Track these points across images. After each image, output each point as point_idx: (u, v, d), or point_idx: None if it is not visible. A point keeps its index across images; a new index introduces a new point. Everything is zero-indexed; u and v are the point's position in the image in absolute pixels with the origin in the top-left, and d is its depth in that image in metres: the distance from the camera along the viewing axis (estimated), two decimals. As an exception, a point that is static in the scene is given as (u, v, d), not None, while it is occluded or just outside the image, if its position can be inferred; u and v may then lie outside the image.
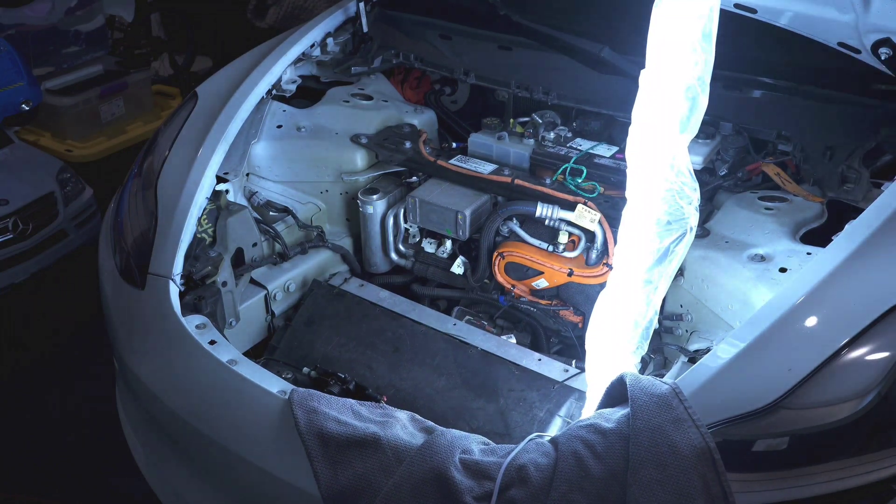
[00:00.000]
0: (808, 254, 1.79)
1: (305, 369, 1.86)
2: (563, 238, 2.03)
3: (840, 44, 1.99)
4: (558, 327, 2.12)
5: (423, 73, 2.78)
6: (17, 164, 3.59)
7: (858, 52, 1.98)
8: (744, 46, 2.10)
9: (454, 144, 2.37)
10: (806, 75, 2.12)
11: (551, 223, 2.04)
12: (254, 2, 5.24)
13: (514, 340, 2.03)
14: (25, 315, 3.29)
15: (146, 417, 2.05)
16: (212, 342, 1.82)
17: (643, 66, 1.66)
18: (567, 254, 2.04)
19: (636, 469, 1.37)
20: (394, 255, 2.31)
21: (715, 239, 1.91)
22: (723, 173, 2.16)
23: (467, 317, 2.13)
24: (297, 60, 2.52)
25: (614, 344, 1.71)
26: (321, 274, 2.29)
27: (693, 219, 1.66)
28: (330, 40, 2.67)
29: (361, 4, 2.67)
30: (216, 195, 2.12)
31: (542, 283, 2.08)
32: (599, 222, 1.97)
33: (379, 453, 1.50)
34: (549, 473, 1.42)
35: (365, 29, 2.69)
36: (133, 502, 2.48)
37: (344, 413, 1.58)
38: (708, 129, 2.15)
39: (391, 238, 2.28)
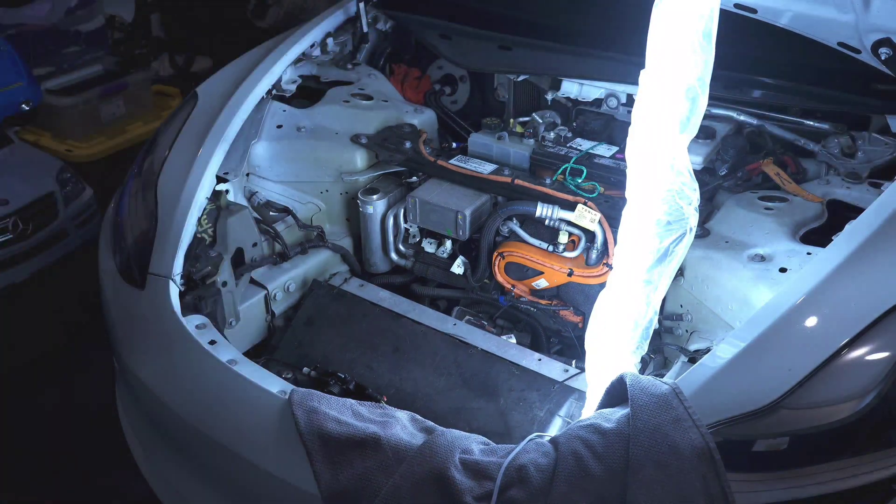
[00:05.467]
0: (808, 254, 1.79)
1: (305, 369, 1.86)
2: (563, 238, 2.03)
3: (840, 44, 1.99)
4: (558, 327, 2.12)
5: (422, 72, 2.78)
6: (17, 164, 3.58)
7: (858, 52, 1.98)
8: (744, 46, 2.10)
9: (454, 144, 2.37)
10: (806, 75, 2.12)
11: (551, 223, 2.04)
12: (254, 2, 5.24)
13: (514, 340, 2.03)
14: (25, 315, 3.29)
15: (146, 417, 2.06)
16: (212, 342, 1.82)
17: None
18: (567, 254, 2.04)
19: (636, 469, 1.37)
20: (394, 255, 2.31)
21: (715, 239, 1.91)
22: (723, 173, 2.16)
23: (467, 317, 2.13)
24: (297, 60, 2.52)
25: (614, 344, 1.71)
26: (321, 274, 2.29)
27: (693, 219, 1.66)
28: (330, 40, 2.68)
29: (361, 4, 2.67)
30: (216, 195, 2.12)
31: (542, 283, 2.08)
32: (599, 222, 1.97)
33: (379, 453, 1.50)
34: (549, 473, 1.42)
35: (365, 29, 2.69)
36: (133, 502, 2.48)
37: (344, 413, 1.58)
38: (708, 129, 2.16)
39: (391, 238, 2.28)
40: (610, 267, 1.95)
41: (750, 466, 1.50)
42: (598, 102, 2.42)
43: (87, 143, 4.39)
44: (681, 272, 1.88)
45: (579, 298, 2.08)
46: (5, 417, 2.80)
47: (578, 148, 2.20)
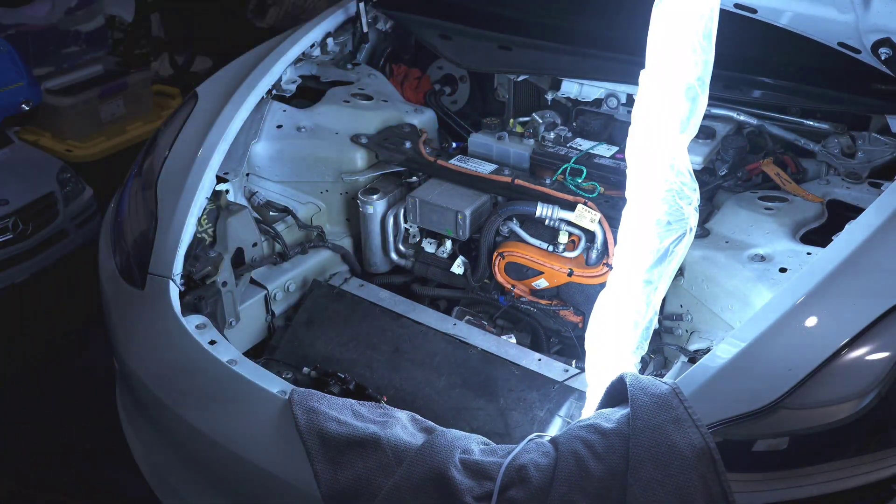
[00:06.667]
0: (808, 254, 1.79)
1: (305, 369, 1.86)
2: (563, 238, 2.03)
3: (840, 44, 1.99)
4: (558, 327, 2.12)
5: (422, 72, 2.78)
6: (17, 164, 3.59)
7: (858, 52, 1.98)
8: (744, 46, 2.10)
9: (454, 144, 2.37)
10: (806, 75, 2.12)
11: (551, 223, 2.04)
12: (254, 2, 5.24)
13: (514, 340, 2.03)
14: (25, 315, 3.29)
15: (146, 417, 2.05)
16: (212, 342, 1.82)
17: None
18: (567, 254, 2.04)
19: (636, 469, 1.37)
20: (394, 255, 2.31)
21: (715, 239, 1.91)
22: (723, 173, 2.16)
23: (467, 317, 2.13)
24: (297, 60, 2.52)
25: (614, 344, 1.71)
26: (321, 274, 2.29)
27: (693, 219, 1.66)
28: (330, 40, 2.68)
29: (361, 4, 2.67)
30: (216, 195, 2.12)
31: (542, 283, 2.08)
32: (599, 222, 1.97)
33: (379, 453, 1.50)
34: (549, 473, 1.42)
35: (365, 29, 2.69)
36: (133, 502, 2.48)
37: (344, 413, 1.58)
38: (708, 129, 2.16)
39: (391, 238, 2.27)
40: (610, 267, 1.95)
41: (750, 466, 1.50)
42: (598, 102, 2.42)
43: (87, 143, 4.39)
44: (681, 272, 1.88)
45: (579, 298, 2.08)
46: (6, 416, 2.80)
47: (578, 148, 2.20)
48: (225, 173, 2.15)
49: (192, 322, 1.88)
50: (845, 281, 1.57)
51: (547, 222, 2.04)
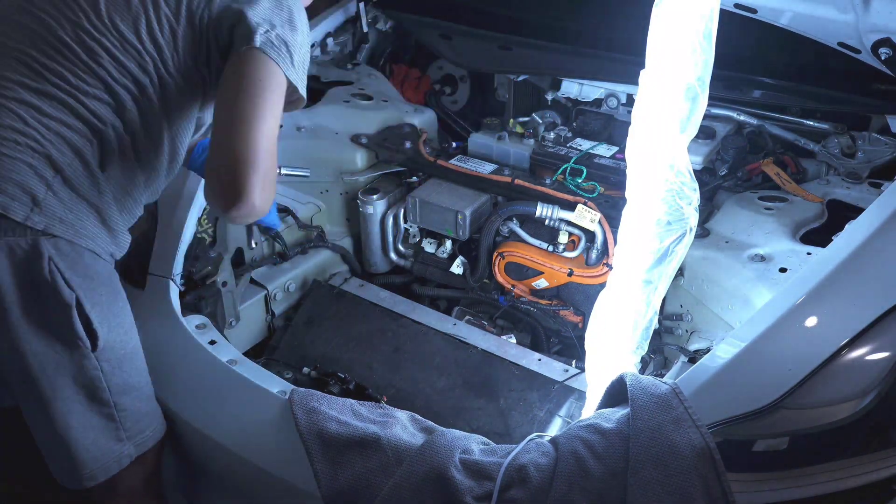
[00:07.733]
0: (808, 254, 1.79)
1: (305, 369, 1.86)
2: (563, 238, 2.03)
3: (840, 44, 2.00)
4: (558, 327, 2.12)
5: (422, 72, 2.78)
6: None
7: (858, 52, 1.98)
8: (744, 46, 2.10)
9: (454, 144, 2.37)
10: (806, 75, 2.13)
11: (551, 223, 2.04)
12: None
13: (514, 340, 2.03)
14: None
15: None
16: (212, 342, 1.82)
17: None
18: (567, 254, 2.04)
19: (636, 469, 1.37)
20: (393, 255, 2.31)
21: (715, 239, 1.91)
22: (723, 173, 2.16)
23: (467, 317, 2.13)
24: (297, 61, 2.52)
25: (614, 344, 1.71)
26: (321, 274, 2.29)
27: (693, 219, 1.66)
28: (330, 40, 2.68)
29: (361, 4, 2.67)
30: (216, 195, 2.12)
31: (542, 283, 2.08)
32: (599, 222, 1.97)
33: (379, 453, 1.50)
34: (549, 473, 1.42)
35: (365, 29, 2.69)
36: (133, 502, 2.48)
37: (344, 413, 1.58)
38: (708, 129, 2.16)
39: (391, 238, 2.28)
40: (610, 267, 1.95)
41: (750, 466, 1.50)
42: (598, 102, 2.42)
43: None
44: (681, 272, 1.88)
45: (579, 298, 2.08)
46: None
47: (578, 148, 2.20)
48: (225, 173, 2.15)
49: (192, 322, 1.88)
50: (845, 281, 1.57)
51: (547, 222, 2.04)
